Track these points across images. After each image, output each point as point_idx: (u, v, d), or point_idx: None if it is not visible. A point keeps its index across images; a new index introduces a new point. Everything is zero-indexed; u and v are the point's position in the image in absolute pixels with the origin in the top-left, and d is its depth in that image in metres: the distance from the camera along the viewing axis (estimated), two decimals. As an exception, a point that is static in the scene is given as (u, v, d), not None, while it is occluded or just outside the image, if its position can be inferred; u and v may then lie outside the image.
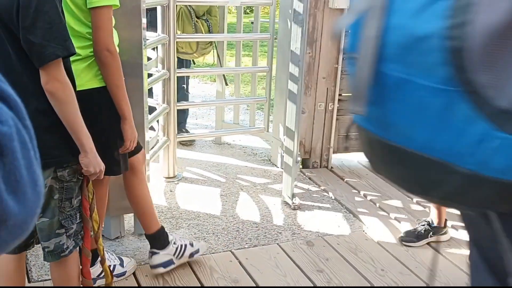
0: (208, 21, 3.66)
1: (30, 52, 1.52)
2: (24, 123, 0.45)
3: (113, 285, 2.11)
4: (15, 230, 0.44)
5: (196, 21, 3.60)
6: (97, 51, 1.86)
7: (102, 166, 1.72)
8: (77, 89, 1.88)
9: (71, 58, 1.89)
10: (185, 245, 2.42)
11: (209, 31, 3.66)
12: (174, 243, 2.39)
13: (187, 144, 4.03)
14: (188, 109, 4.20)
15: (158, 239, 2.35)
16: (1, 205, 0.41)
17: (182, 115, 3.98)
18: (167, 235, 2.38)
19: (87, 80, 1.91)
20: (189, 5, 3.56)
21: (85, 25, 1.86)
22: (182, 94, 3.84)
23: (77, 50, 1.88)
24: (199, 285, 2.34)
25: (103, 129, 1.97)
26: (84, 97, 1.77)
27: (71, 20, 1.87)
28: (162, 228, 2.38)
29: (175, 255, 2.38)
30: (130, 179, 2.25)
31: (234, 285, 2.34)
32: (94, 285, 2.08)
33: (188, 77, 4.17)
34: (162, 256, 2.35)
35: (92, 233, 1.85)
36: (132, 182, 2.26)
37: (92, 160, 1.68)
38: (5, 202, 0.42)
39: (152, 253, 2.35)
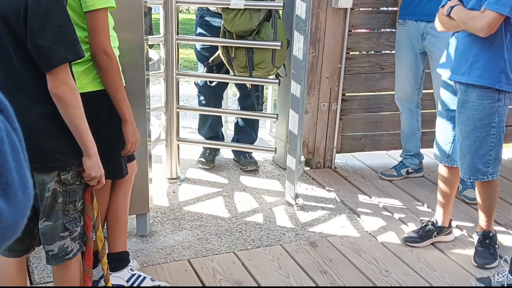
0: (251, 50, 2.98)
1: (39, 56, 1.51)
2: (13, 126, 0.45)
3: None
4: (5, 232, 0.44)
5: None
6: (94, 54, 1.85)
7: (103, 171, 1.72)
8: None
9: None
10: (144, 278, 2.25)
11: (246, 65, 3.01)
12: (131, 270, 2.25)
13: (251, 170, 3.55)
14: (258, 121, 3.70)
15: (117, 261, 2.22)
16: None
17: (250, 133, 3.59)
18: (127, 260, 2.26)
19: (87, 83, 1.90)
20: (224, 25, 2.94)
21: (83, 29, 1.84)
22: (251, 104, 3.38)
23: None
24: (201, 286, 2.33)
25: (104, 132, 1.96)
26: (83, 100, 1.77)
27: None
28: (127, 253, 2.27)
29: (128, 282, 2.22)
30: (116, 188, 2.17)
31: (236, 285, 2.33)
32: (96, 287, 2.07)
33: (262, 87, 3.57)
34: (113, 278, 2.17)
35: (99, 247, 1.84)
36: (117, 191, 2.18)
37: (95, 164, 1.68)
38: None
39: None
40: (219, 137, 3.69)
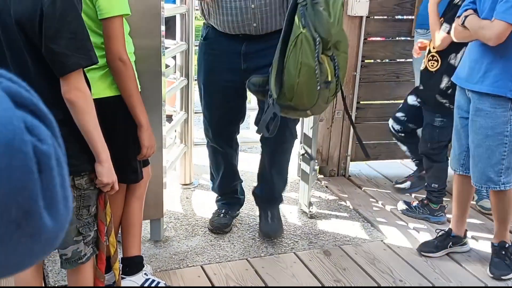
0: (334, 58, 2.16)
1: (53, 61, 1.53)
2: (58, 141, 0.48)
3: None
4: (46, 244, 0.46)
5: (321, 57, 2.11)
6: (109, 60, 1.88)
7: (115, 178, 1.72)
8: (93, 98, 1.90)
9: (87, 68, 1.91)
10: (158, 282, 2.27)
11: (335, 74, 2.17)
12: (145, 274, 2.26)
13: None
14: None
15: (131, 265, 2.24)
16: (40, 221, 0.44)
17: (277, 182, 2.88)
18: (142, 264, 2.28)
19: (103, 88, 1.93)
20: (315, 29, 2.09)
21: (99, 35, 1.88)
22: None
23: None
24: (215, 293, 2.33)
25: (120, 137, 1.98)
26: (100, 105, 1.79)
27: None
28: (141, 257, 2.29)
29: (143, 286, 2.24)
30: (130, 193, 2.19)
31: (243, 286, 2.33)
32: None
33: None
34: (127, 282, 2.22)
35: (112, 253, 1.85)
36: (131, 196, 2.19)
37: (106, 170, 1.68)
38: (43, 217, 0.44)
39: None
40: (236, 193, 2.97)
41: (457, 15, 2.46)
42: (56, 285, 2.31)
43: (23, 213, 0.42)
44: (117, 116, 1.98)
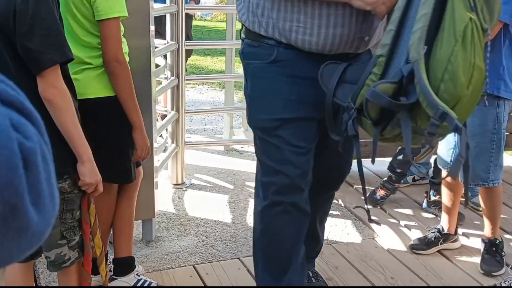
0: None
1: (28, 59, 1.51)
2: (44, 138, 0.49)
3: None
4: (33, 239, 0.47)
5: None
6: (106, 61, 1.88)
7: (99, 178, 1.67)
8: (88, 97, 1.89)
9: (82, 67, 1.90)
10: (150, 283, 2.26)
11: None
12: (137, 275, 2.25)
13: None
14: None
15: (122, 266, 2.23)
16: (26, 216, 0.45)
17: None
18: (133, 265, 2.27)
19: (99, 89, 1.93)
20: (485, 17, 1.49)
21: (95, 36, 1.88)
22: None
23: (87, 60, 1.90)
24: (207, 292, 2.33)
25: (114, 137, 1.98)
26: (94, 105, 1.78)
27: (80, 31, 1.89)
28: (133, 257, 2.28)
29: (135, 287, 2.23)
30: (122, 193, 2.18)
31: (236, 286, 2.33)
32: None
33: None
34: (119, 282, 2.21)
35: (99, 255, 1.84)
36: (123, 196, 2.18)
37: (89, 170, 1.63)
38: (29, 213, 0.45)
39: (111, 279, 2.20)
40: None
41: None
42: (47, 286, 2.30)
43: (10, 208, 0.43)
44: (111, 116, 1.97)
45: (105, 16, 1.83)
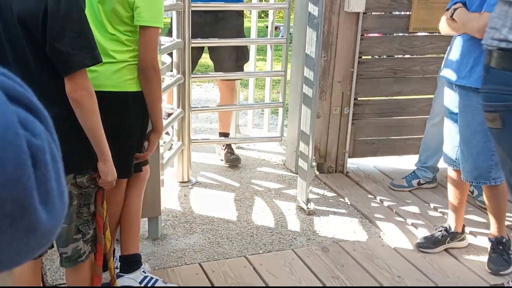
0: None
1: (57, 60, 1.53)
2: (52, 136, 0.48)
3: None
4: (42, 239, 0.46)
5: None
6: (143, 67, 1.94)
7: (116, 175, 1.74)
8: (106, 90, 1.92)
9: (104, 60, 1.92)
10: (156, 280, 2.27)
11: None
12: (144, 272, 2.26)
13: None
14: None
15: (129, 263, 2.24)
16: (35, 215, 0.44)
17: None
18: (140, 262, 2.28)
19: (118, 83, 1.96)
20: None
21: (122, 33, 1.93)
22: None
23: (112, 53, 1.94)
24: (213, 290, 2.33)
25: (125, 133, 2.01)
26: (110, 99, 1.80)
27: (108, 25, 1.94)
28: (140, 255, 2.28)
29: (141, 284, 2.23)
30: (129, 190, 2.20)
31: (243, 286, 2.33)
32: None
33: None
34: (126, 280, 2.22)
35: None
36: (130, 194, 2.20)
37: (110, 168, 1.70)
38: (38, 212, 0.44)
39: (117, 276, 2.19)
40: None
41: (446, 8, 2.47)
42: (54, 284, 2.30)
43: (18, 207, 0.42)
44: (125, 112, 2.01)
45: (147, 24, 1.90)
